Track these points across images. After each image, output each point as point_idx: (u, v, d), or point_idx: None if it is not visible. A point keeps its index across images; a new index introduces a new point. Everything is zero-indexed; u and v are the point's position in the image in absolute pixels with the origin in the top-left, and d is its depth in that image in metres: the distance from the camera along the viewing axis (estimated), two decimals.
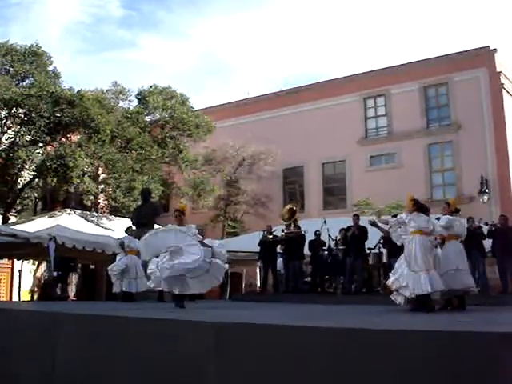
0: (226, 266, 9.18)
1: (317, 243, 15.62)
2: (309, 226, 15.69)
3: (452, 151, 28.18)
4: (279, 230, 15.85)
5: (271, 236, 15.70)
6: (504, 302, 10.75)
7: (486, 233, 13.87)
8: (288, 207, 16.67)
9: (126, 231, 12.85)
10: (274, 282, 15.69)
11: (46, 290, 20.18)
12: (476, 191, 25.82)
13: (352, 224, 14.45)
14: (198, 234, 9.03)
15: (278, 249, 15.73)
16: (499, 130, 26.76)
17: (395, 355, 3.63)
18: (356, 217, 14.73)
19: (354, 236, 14.13)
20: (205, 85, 76.30)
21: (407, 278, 7.94)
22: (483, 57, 27.74)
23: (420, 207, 8.43)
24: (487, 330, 3.92)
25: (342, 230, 15.09)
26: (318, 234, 15.59)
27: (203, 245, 8.79)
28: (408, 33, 72.47)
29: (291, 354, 4.02)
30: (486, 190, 25.56)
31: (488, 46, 28.06)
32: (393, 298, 8.26)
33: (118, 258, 12.43)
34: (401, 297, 8.13)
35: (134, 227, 12.75)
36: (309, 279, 16.54)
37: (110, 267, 12.38)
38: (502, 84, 27.49)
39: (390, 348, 3.68)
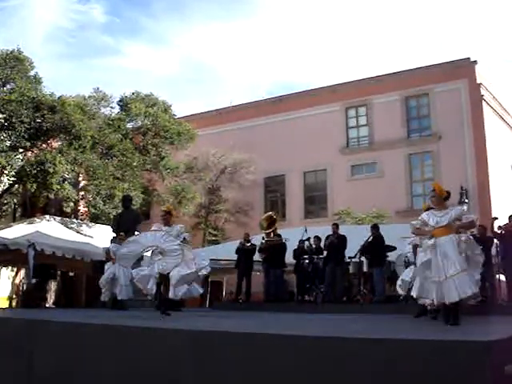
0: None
1: (299, 252, 15.62)
2: (290, 235, 15.68)
3: (432, 161, 28.43)
4: (259, 239, 15.82)
5: (249, 244, 15.67)
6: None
7: None
8: (266, 215, 16.67)
9: (114, 239, 12.72)
10: (247, 290, 15.62)
11: (25, 297, 19.98)
12: (456, 201, 25.98)
13: (331, 233, 14.52)
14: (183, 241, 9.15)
15: (259, 257, 15.69)
16: (479, 141, 27.04)
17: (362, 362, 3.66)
18: (335, 225, 14.82)
19: (333, 244, 14.17)
20: (188, 92, 76.30)
21: None
22: (464, 68, 28.04)
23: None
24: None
25: (315, 237, 15.12)
26: (301, 242, 15.56)
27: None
28: (390, 44, 73.10)
29: (267, 362, 4.03)
30: (466, 200, 25.70)
31: (469, 58, 28.38)
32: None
33: (106, 267, 12.34)
34: None
35: (123, 234, 12.61)
36: (295, 289, 16.51)
37: (100, 280, 12.30)
38: (482, 95, 27.80)
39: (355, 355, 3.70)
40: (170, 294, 8.77)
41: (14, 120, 19.97)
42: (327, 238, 14.58)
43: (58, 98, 21.43)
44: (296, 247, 15.49)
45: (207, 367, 4.35)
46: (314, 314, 10.65)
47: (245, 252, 15.55)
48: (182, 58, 79.62)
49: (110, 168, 22.03)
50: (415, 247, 8.75)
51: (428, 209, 7.80)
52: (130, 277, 11.10)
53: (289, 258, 15.50)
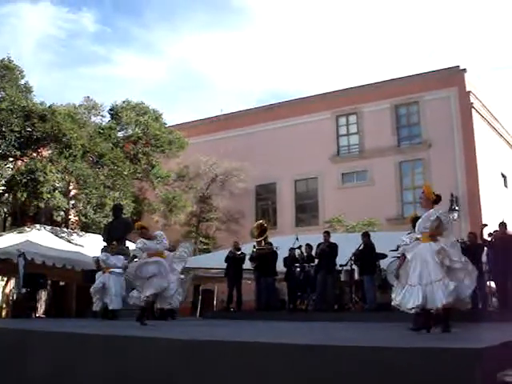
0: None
1: (290, 260, 15.57)
2: (281, 243, 15.65)
3: (423, 169, 28.53)
4: (250, 247, 15.78)
5: (239, 252, 15.62)
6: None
7: None
8: (257, 224, 16.64)
9: (106, 248, 12.68)
10: (238, 298, 15.57)
11: (15, 306, 19.83)
12: (446, 208, 26.05)
13: (322, 241, 14.49)
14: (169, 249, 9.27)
15: (250, 265, 15.65)
16: (468, 148, 27.17)
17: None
18: (326, 233, 14.78)
19: (324, 252, 14.14)
20: (179, 101, 76.34)
21: None
22: (453, 77, 28.20)
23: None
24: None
25: (307, 245, 15.09)
26: (291, 250, 15.51)
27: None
28: (379, 52, 73.42)
29: (257, 370, 4.02)
30: (456, 208, 25.78)
31: (458, 66, 28.54)
32: None
33: (96, 276, 12.31)
34: None
35: (115, 243, 12.60)
36: (286, 297, 16.45)
37: (90, 289, 12.28)
38: (472, 103, 27.95)
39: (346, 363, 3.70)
40: (167, 304, 8.91)
41: (4, 129, 19.91)
42: (318, 245, 14.53)
43: (49, 106, 21.39)
44: (287, 255, 15.46)
45: (202, 378, 4.33)
46: (305, 322, 10.62)
47: (234, 260, 15.49)
48: (172, 66, 79.75)
49: (101, 177, 21.95)
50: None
51: (414, 218, 7.75)
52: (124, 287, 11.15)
53: (280, 265, 15.47)
